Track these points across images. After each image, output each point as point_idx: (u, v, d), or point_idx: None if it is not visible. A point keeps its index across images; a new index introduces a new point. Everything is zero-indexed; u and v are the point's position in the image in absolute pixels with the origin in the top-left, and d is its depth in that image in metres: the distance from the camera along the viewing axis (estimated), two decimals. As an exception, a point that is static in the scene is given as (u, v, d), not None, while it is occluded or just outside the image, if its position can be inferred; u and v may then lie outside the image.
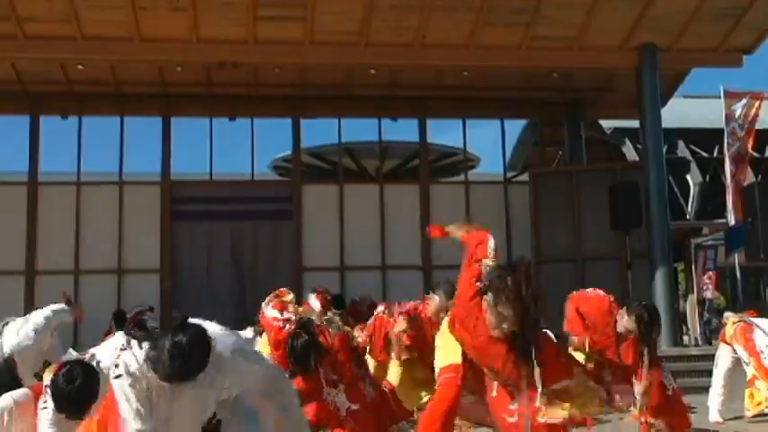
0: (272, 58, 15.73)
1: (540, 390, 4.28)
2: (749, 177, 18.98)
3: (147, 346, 3.54)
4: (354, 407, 5.70)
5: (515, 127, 21.33)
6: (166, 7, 14.27)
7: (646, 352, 6.05)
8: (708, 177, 24.88)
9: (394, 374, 7.20)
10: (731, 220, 16.79)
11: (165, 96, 17.95)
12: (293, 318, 5.95)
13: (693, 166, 24.84)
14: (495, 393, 4.59)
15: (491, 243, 4.61)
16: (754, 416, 9.30)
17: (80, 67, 16.31)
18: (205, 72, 17.09)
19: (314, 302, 8.15)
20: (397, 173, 20.73)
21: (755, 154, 23.23)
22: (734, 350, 9.55)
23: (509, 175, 19.62)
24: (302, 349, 5.68)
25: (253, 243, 17.83)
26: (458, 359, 5.49)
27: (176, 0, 14.04)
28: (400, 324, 7.12)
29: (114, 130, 18.57)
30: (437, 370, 5.74)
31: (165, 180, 18.29)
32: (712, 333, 18.90)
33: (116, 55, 15.49)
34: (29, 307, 16.83)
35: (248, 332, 9.23)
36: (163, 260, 17.14)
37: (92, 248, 17.22)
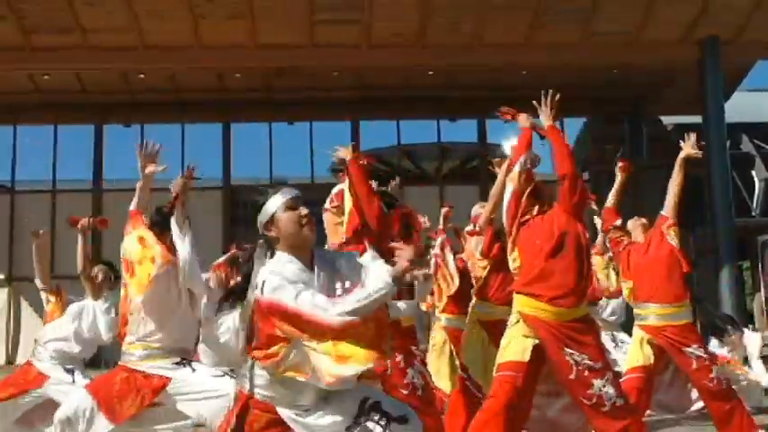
0: (329, 61, 15.80)
1: None
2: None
3: None
4: None
5: (575, 125, 21.14)
6: (225, 15, 14.43)
7: None
8: (773, 173, 24.35)
9: None
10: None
11: (225, 103, 18.12)
12: None
13: (758, 161, 24.26)
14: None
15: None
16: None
17: (141, 76, 16.57)
18: (264, 78, 17.23)
19: None
20: (457, 174, 20.63)
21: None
22: None
23: (569, 173, 19.42)
24: None
25: (315, 245, 17.85)
26: (524, 357, 4.88)
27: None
28: None
29: (175, 137, 18.84)
30: (496, 365, 5.03)
31: (226, 185, 18.50)
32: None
33: (176, 63, 15.71)
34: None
35: None
36: (225, 264, 17.27)
37: (156, 253, 17.43)
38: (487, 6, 14.46)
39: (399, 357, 5.54)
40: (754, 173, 24.11)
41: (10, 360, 17.66)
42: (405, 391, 5.43)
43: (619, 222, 6.84)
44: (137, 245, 5.09)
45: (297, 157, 19.96)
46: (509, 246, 5.20)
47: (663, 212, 6.74)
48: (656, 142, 19.75)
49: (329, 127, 19.96)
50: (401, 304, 6.35)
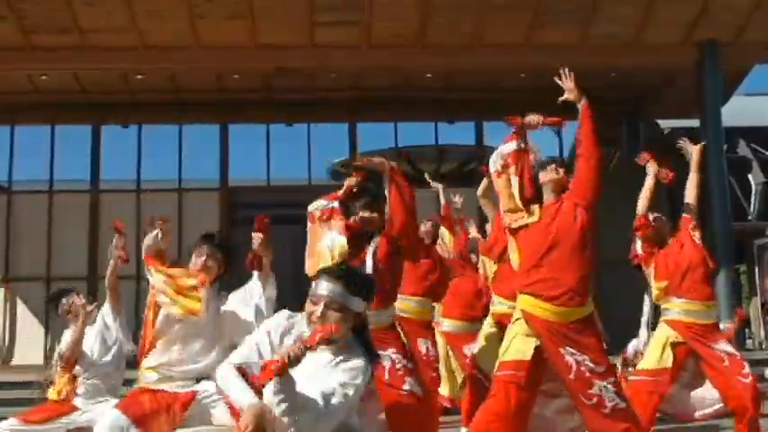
0: (328, 62, 15.79)
1: None
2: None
3: None
4: None
5: (572, 126, 21.11)
6: (224, 15, 14.42)
7: None
8: (770, 177, 24.34)
9: None
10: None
11: (224, 103, 18.11)
12: None
13: (755, 165, 24.27)
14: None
15: None
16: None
17: (139, 76, 16.55)
18: (262, 78, 17.22)
19: None
20: (455, 176, 20.59)
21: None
22: None
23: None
24: None
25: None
26: (525, 356, 4.86)
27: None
28: None
29: (173, 138, 18.82)
30: (497, 364, 4.99)
31: (224, 186, 18.48)
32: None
33: (175, 63, 15.70)
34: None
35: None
36: (222, 265, 17.24)
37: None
38: (487, 6, 14.46)
39: (398, 359, 5.48)
40: (750, 177, 24.13)
41: (5, 360, 17.63)
42: (403, 393, 5.40)
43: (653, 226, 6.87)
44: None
45: (294, 159, 19.91)
46: (509, 243, 5.21)
47: (685, 214, 6.84)
48: (652, 145, 19.74)
49: (327, 128, 19.95)
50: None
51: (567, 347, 4.77)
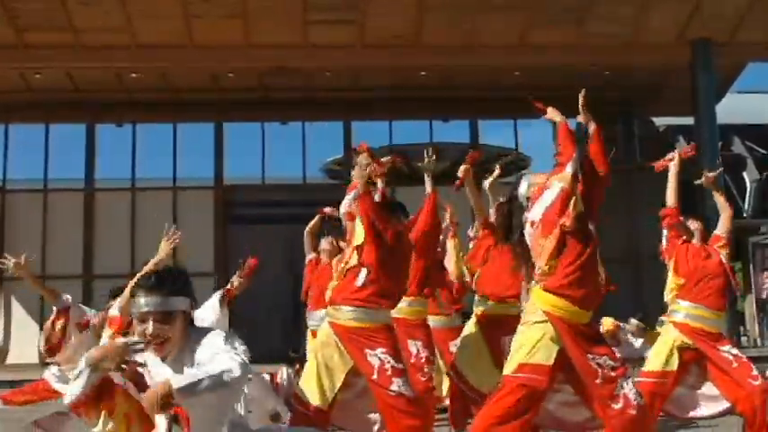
0: (323, 62, 15.78)
1: None
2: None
3: None
4: None
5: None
6: (220, 15, 14.40)
7: None
8: (765, 174, 24.37)
9: None
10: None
11: (219, 102, 18.09)
12: None
13: (750, 162, 24.30)
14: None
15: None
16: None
17: (134, 75, 16.53)
18: (257, 77, 17.20)
19: None
20: (449, 174, 20.54)
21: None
22: None
23: (562, 174, 19.41)
24: None
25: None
26: (549, 361, 4.76)
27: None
28: None
29: (168, 136, 18.82)
30: (513, 364, 4.79)
31: (219, 185, 18.46)
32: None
33: (170, 62, 15.69)
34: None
35: None
36: (217, 264, 17.25)
37: (147, 253, 17.35)
38: (485, 6, 14.45)
39: (386, 359, 5.45)
40: (745, 174, 24.16)
41: (1, 359, 17.61)
42: (391, 393, 5.39)
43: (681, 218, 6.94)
44: None
45: (289, 158, 19.91)
46: (546, 250, 4.98)
47: (717, 232, 6.93)
48: (647, 143, 19.76)
49: (322, 126, 19.95)
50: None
51: (589, 354, 4.77)
